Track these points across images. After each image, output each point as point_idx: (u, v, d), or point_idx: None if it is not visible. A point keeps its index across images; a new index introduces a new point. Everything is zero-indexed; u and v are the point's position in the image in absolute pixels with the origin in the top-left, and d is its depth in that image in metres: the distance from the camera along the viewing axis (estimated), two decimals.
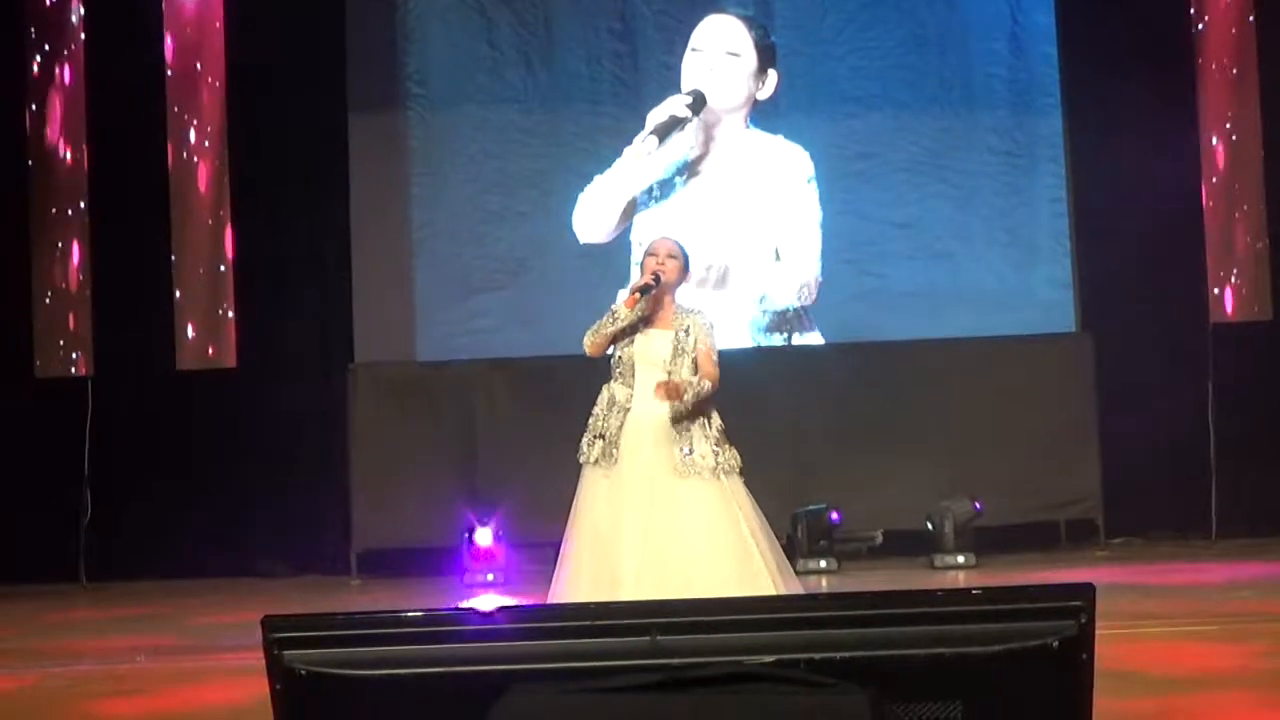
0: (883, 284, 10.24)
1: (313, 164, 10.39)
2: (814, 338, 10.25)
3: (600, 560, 5.73)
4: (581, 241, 10.26)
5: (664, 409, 5.82)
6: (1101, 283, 10.06)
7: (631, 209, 10.30)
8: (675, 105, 10.31)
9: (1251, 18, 9.71)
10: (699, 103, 10.28)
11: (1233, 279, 9.72)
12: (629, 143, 10.23)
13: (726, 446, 5.84)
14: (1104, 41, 10.01)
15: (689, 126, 10.27)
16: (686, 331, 5.91)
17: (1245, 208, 9.71)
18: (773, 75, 10.34)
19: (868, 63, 10.43)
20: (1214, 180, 9.76)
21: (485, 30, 10.50)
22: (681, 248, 6.03)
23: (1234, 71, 9.72)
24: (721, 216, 10.18)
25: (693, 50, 10.42)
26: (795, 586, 5.93)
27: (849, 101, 10.38)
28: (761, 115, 10.35)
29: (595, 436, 5.88)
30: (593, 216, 10.32)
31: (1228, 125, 9.74)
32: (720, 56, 10.39)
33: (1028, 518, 9.82)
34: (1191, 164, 9.78)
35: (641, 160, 10.23)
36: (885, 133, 10.36)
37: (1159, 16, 9.89)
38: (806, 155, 10.31)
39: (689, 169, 10.34)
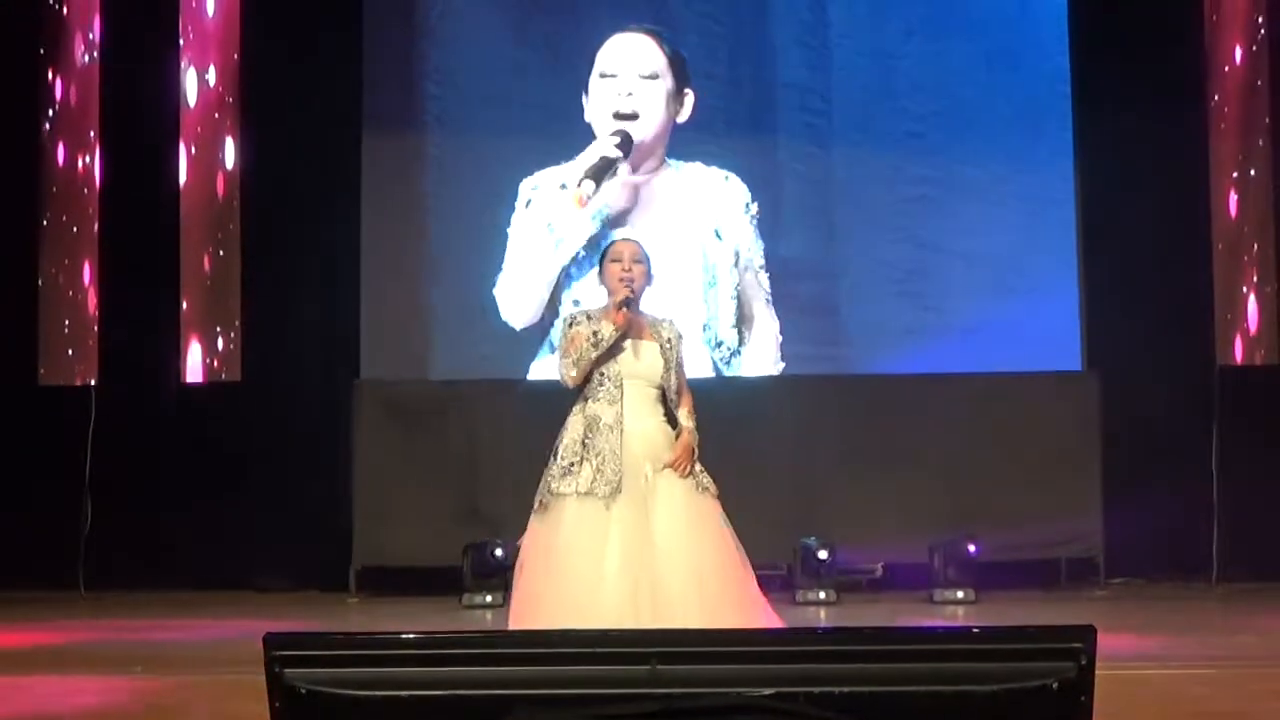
0: (940, 320, 9.96)
1: (325, 179, 10.38)
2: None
3: (631, 584, 5.33)
4: (517, 329, 9.90)
5: (658, 423, 5.59)
6: (1109, 321, 10.06)
7: (564, 279, 9.81)
8: (604, 146, 9.71)
9: (1260, 81, 9.74)
10: (627, 142, 9.70)
11: (1241, 322, 9.73)
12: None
13: None
14: (1116, 85, 10.01)
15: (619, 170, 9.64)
16: (669, 343, 5.66)
17: (1255, 250, 9.73)
18: (689, 96, 9.82)
19: (932, 77, 9.99)
20: (1224, 224, 9.77)
21: (512, 27, 10.15)
22: (644, 249, 5.71)
23: (1245, 118, 9.74)
24: (663, 263, 9.35)
25: (601, 76, 9.82)
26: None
27: (911, 119, 10.00)
28: (681, 139, 9.84)
29: (577, 463, 5.49)
30: (523, 298, 9.84)
31: (1238, 171, 9.75)
32: (636, 81, 9.79)
33: (1028, 554, 9.78)
34: (1202, 207, 9.79)
35: (575, 211, 9.67)
36: (950, 153, 9.95)
37: (1173, 61, 9.90)
38: (738, 178, 9.89)
39: (614, 221, 9.68)
